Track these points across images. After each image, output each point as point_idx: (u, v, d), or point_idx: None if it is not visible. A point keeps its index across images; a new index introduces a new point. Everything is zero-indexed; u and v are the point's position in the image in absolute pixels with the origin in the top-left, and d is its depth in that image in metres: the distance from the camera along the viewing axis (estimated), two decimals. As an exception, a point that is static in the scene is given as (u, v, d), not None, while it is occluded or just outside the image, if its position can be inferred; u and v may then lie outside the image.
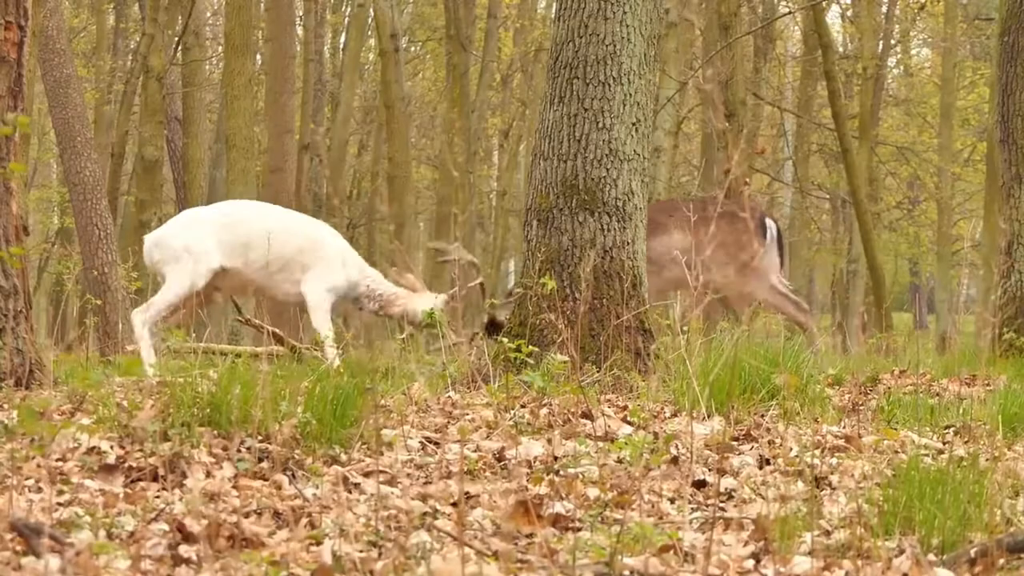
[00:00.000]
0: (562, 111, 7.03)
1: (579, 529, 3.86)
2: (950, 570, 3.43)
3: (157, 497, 3.92)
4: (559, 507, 3.99)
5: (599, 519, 3.95)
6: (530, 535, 3.70)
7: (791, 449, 4.80)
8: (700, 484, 4.39)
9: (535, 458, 4.61)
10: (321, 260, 9.08)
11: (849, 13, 26.48)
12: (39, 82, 14.80)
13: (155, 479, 4.07)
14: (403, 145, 20.29)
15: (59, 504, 3.78)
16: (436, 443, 4.79)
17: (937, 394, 6.30)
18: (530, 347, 6.24)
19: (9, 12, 5.85)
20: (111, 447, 4.25)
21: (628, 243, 6.98)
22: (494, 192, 29.39)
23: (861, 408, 5.69)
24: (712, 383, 5.37)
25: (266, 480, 4.11)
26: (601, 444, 4.73)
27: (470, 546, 3.45)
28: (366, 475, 4.27)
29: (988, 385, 6.62)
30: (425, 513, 3.88)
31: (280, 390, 4.52)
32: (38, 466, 4.02)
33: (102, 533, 3.55)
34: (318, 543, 3.55)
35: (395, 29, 20.14)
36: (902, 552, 3.55)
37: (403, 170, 19.98)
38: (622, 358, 6.68)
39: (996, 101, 9.27)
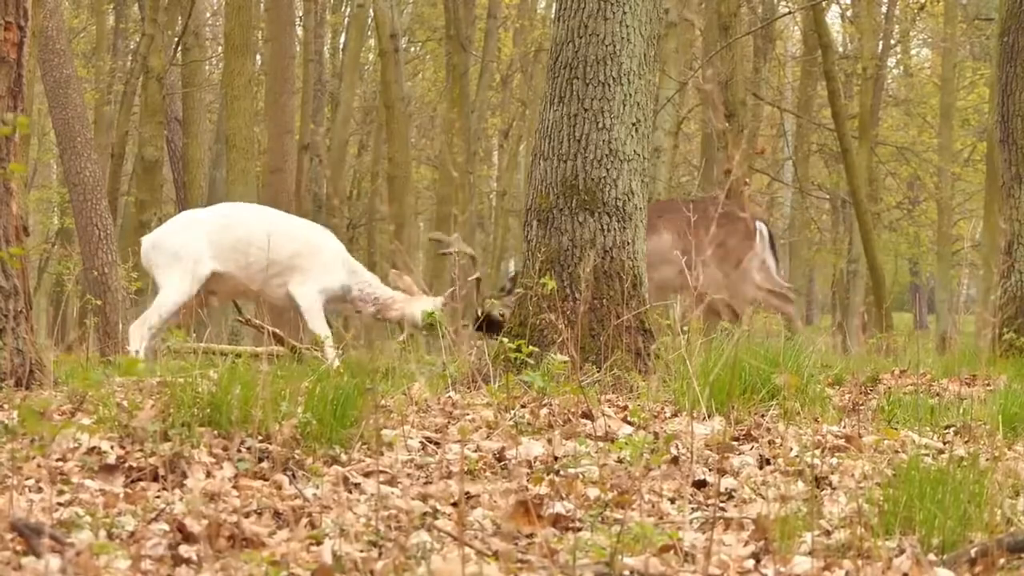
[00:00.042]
0: (562, 111, 7.03)
1: (579, 529, 3.86)
2: (950, 570, 3.43)
3: (157, 497, 3.92)
4: (559, 507, 3.99)
5: (599, 519, 3.95)
6: (530, 535, 3.70)
7: (791, 449, 4.80)
8: (700, 484, 4.39)
9: (535, 458, 4.61)
10: (314, 263, 9.09)
11: (849, 13, 26.49)
12: (39, 82, 14.80)
13: (155, 479, 4.07)
14: (403, 145, 20.30)
15: (59, 504, 3.78)
16: (436, 443, 4.79)
17: (937, 394, 6.30)
18: (530, 347, 6.24)
19: (9, 12, 5.85)
20: (111, 447, 4.25)
21: (628, 243, 6.98)
22: (494, 192, 29.41)
23: (861, 408, 5.69)
24: (712, 383, 5.37)
25: (266, 480, 4.11)
26: (601, 444, 4.73)
27: (470, 546, 3.45)
28: (366, 475, 4.27)
29: (988, 385, 6.62)
30: (425, 513, 3.88)
31: (280, 390, 4.52)
32: (38, 466, 4.02)
33: (102, 533, 3.55)
34: (318, 543, 3.55)
35: (395, 29, 20.14)
36: (902, 552, 3.55)
37: (403, 170, 19.98)
38: (622, 358, 6.68)
39: (996, 101, 9.27)
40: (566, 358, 5.83)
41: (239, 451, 4.27)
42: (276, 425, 4.32)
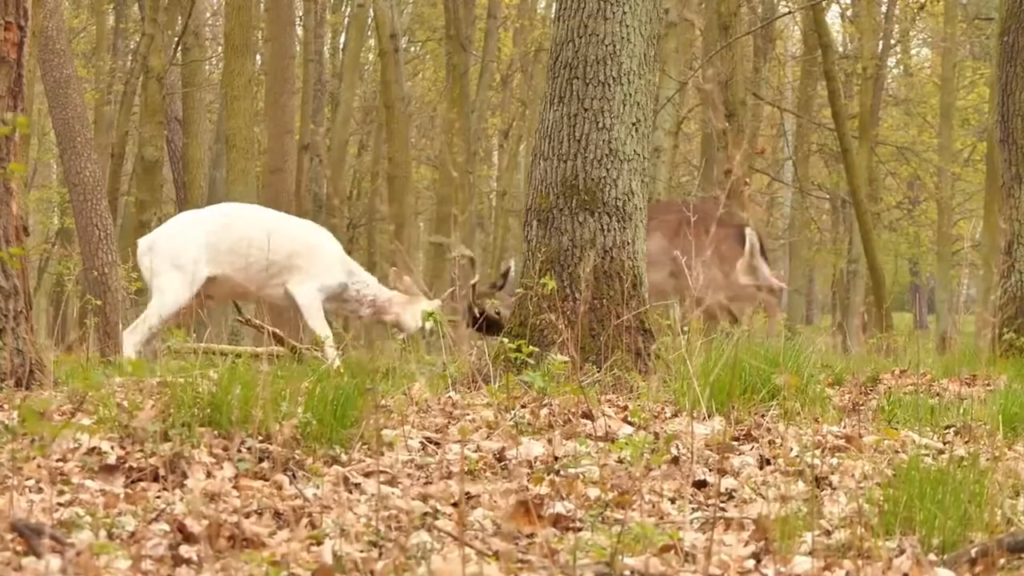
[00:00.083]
0: (562, 111, 7.03)
1: (580, 529, 3.86)
2: (950, 570, 3.43)
3: (158, 497, 3.92)
4: (560, 507, 3.99)
5: (600, 519, 3.95)
6: (531, 535, 3.70)
7: (791, 449, 4.80)
8: (701, 484, 4.39)
9: (535, 458, 4.61)
10: (313, 262, 9.09)
11: (849, 13, 26.50)
12: (39, 82, 14.79)
13: (156, 479, 4.07)
14: (403, 145, 20.29)
15: (60, 504, 3.78)
16: (436, 443, 4.79)
17: (937, 394, 6.30)
18: (530, 347, 6.24)
19: (9, 12, 5.85)
20: (111, 447, 4.25)
21: (628, 243, 6.98)
22: (494, 192, 29.40)
23: (861, 408, 5.70)
24: (712, 383, 5.37)
25: (267, 480, 4.11)
26: (602, 444, 4.73)
27: (471, 546, 3.45)
28: (367, 475, 4.27)
29: (988, 385, 6.62)
30: (426, 513, 3.88)
31: (280, 390, 4.52)
32: (39, 466, 4.02)
33: (103, 533, 3.55)
34: (319, 543, 3.55)
35: (395, 29, 20.14)
36: (902, 552, 3.55)
37: (403, 170, 19.98)
38: (622, 358, 6.68)
39: (996, 101, 9.27)
40: (566, 358, 5.83)
41: (239, 451, 4.27)
42: (276, 425, 4.32)
